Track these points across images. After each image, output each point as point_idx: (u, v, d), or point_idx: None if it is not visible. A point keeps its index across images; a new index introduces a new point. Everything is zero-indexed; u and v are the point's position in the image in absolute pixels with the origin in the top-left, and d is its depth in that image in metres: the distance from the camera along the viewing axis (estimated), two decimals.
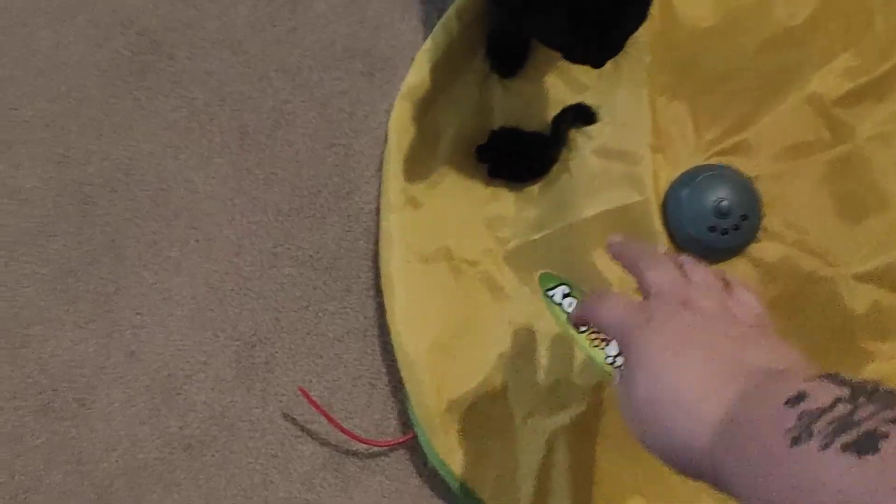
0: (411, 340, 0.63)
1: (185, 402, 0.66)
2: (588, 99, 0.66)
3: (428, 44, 0.67)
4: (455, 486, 0.63)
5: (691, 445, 0.34)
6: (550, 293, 0.64)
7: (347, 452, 0.66)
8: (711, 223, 0.63)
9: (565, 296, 0.60)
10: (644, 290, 0.42)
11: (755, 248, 0.65)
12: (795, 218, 0.65)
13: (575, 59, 0.52)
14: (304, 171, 0.68)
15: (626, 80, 0.65)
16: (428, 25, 0.69)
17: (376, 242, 0.66)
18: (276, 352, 0.66)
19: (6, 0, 0.69)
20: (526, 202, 0.67)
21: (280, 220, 0.67)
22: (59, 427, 0.65)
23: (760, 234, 0.65)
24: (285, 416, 0.66)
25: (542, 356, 0.64)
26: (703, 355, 0.36)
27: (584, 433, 0.63)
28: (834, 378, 0.31)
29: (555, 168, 0.66)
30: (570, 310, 0.59)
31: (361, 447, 0.65)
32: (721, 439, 0.33)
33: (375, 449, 0.66)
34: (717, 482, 0.33)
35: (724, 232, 0.63)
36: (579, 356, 0.63)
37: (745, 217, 0.63)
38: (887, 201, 0.64)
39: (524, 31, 0.64)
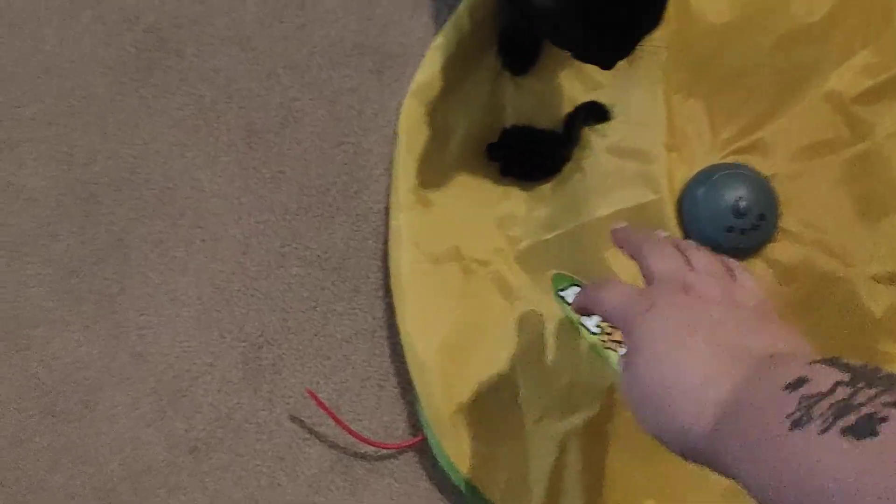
0: (421, 341, 0.62)
1: (191, 404, 0.65)
2: (602, 96, 0.65)
3: (438, 41, 0.66)
4: (465, 489, 0.62)
5: (692, 429, 0.34)
6: (563, 293, 0.63)
7: (356, 455, 0.65)
8: (728, 223, 0.61)
9: None
10: (647, 276, 0.43)
11: (772, 249, 0.64)
12: (813, 218, 0.64)
13: (585, 59, 0.52)
14: (313, 170, 0.67)
15: (640, 77, 0.64)
16: (438, 22, 0.68)
17: (385, 242, 0.65)
18: (284, 353, 0.66)
19: None
20: (538, 201, 0.66)
21: (288, 220, 0.67)
22: (63, 429, 0.65)
23: (777, 235, 0.64)
24: (293, 418, 0.65)
25: (554, 358, 0.63)
26: (705, 340, 0.36)
27: (596, 436, 0.62)
28: (834, 362, 0.31)
29: (567, 167, 0.65)
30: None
31: (370, 450, 0.65)
32: (722, 423, 0.33)
33: (384, 451, 0.65)
34: (718, 466, 0.33)
35: (742, 232, 0.61)
36: (592, 358, 0.62)
37: (762, 217, 0.62)
38: None
39: (535, 30, 0.63)
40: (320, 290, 0.66)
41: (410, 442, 0.64)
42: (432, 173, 0.65)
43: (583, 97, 0.65)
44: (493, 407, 0.63)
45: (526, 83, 0.66)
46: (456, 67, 0.65)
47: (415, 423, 0.65)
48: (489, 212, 0.66)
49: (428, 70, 0.65)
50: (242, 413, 0.65)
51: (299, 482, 0.65)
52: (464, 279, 0.65)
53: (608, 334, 0.60)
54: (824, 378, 0.30)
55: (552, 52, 0.65)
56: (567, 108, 0.65)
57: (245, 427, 0.65)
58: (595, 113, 0.65)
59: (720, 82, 0.65)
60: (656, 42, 0.62)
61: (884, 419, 0.27)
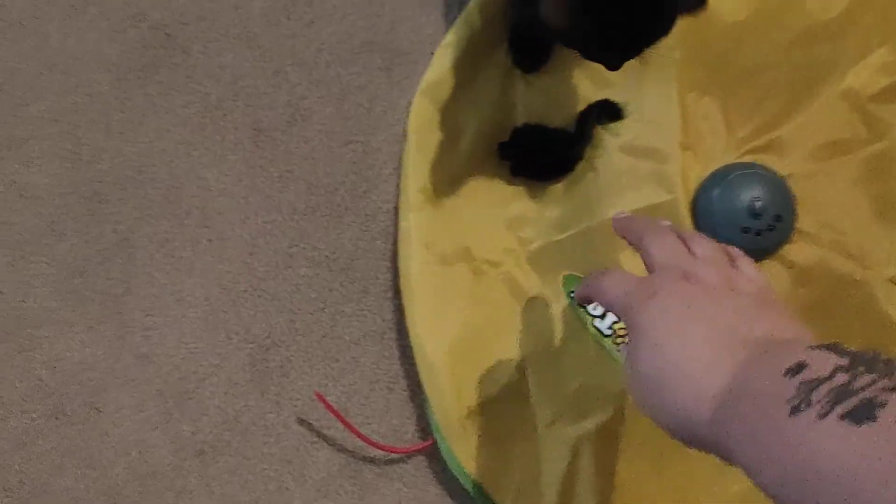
0: (431, 343, 0.62)
1: (197, 407, 0.64)
2: (615, 94, 0.64)
3: (448, 38, 0.65)
4: (475, 494, 0.61)
5: (694, 416, 0.34)
6: (575, 295, 0.62)
7: (364, 459, 0.64)
8: (744, 224, 0.60)
9: None
10: (648, 264, 0.43)
11: (788, 250, 0.63)
12: (830, 218, 0.63)
13: (591, 58, 0.52)
14: (321, 169, 0.66)
15: (654, 75, 0.63)
16: (448, 19, 0.67)
17: (394, 243, 0.65)
18: (291, 355, 0.65)
19: None
20: (549, 201, 0.65)
21: (295, 220, 0.66)
22: (68, 431, 0.64)
23: (794, 236, 0.63)
24: (300, 421, 0.64)
25: (566, 361, 0.62)
26: (706, 328, 0.36)
27: (609, 441, 0.61)
28: (834, 348, 0.31)
29: (579, 166, 0.64)
30: (595, 312, 0.57)
31: (379, 453, 0.64)
32: (722, 409, 0.33)
33: (393, 455, 0.64)
34: (719, 452, 0.34)
35: (758, 233, 0.60)
36: (605, 361, 0.61)
37: (778, 218, 0.61)
38: None
39: (538, 30, 0.62)
40: (328, 292, 0.65)
41: (420, 446, 0.63)
42: (442, 173, 0.64)
43: (595, 95, 0.64)
44: (503, 410, 0.62)
45: (537, 81, 0.65)
46: (466, 65, 0.64)
47: (424, 427, 0.64)
48: (500, 212, 0.65)
49: (438, 68, 0.64)
50: (250, 416, 0.64)
51: (307, 486, 0.64)
52: (474, 280, 0.64)
53: (621, 336, 0.59)
54: (823, 363, 0.30)
55: (564, 49, 0.64)
56: (579, 106, 0.64)
57: (252, 430, 0.64)
58: (608, 111, 0.64)
59: (735, 80, 0.64)
60: (670, 40, 0.62)
61: (882, 404, 0.27)
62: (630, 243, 0.46)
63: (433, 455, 0.64)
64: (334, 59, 0.67)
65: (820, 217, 0.63)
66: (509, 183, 0.65)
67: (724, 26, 0.63)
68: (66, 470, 0.63)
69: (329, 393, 0.64)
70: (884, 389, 0.28)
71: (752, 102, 0.64)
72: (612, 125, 0.64)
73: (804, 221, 0.63)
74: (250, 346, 0.65)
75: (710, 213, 0.61)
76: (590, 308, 0.58)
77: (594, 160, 0.64)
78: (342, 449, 0.64)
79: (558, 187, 0.65)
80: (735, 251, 0.44)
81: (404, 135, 0.65)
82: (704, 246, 0.43)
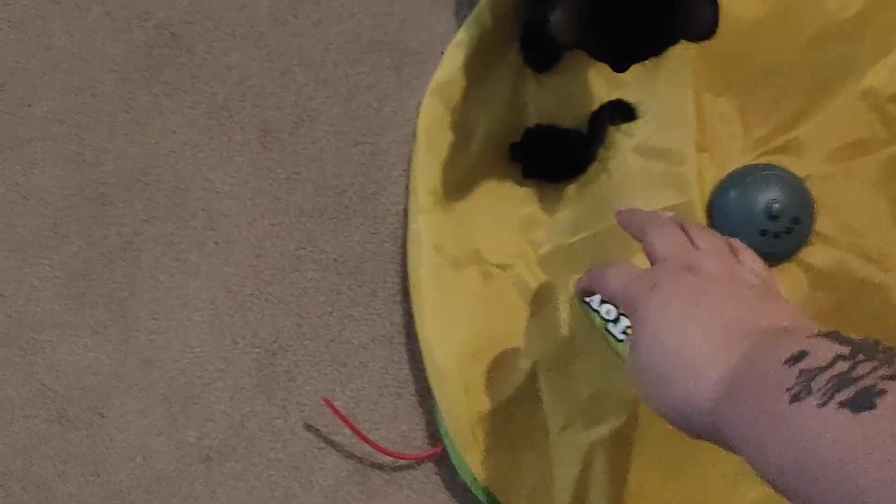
0: (441, 348, 0.61)
1: (203, 412, 0.63)
2: (628, 94, 0.63)
3: (459, 37, 0.63)
4: (486, 501, 0.60)
5: (695, 406, 0.35)
6: (588, 299, 0.61)
7: (373, 465, 0.63)
8: (762, 226, 0.59)
9: (603, 301, 0.57)
10: (651, 256, 0.44)
11: (806, 253, 0.62)
12: (849, 221, 0.61)
13: (598, 58, 0.51)
14: (328, 171, 0.65)
15: (668, 75, 0.62)
16: (458, 17, 0.66)
17: (404, 245, 0.64)
18: (299, 359, 0.64)
19: None
20: (561, 203, 0.63)
21: (303, 222, 0.65)
22: (73, 436, 0.63)
23: (812, 238, 0.62)
24: (308, 427, 0.63)
25: (579, 366, 0.61)
26: (707, 318, 0.37)
27: (622, 448, 0.60)
28: (835, 336, 0.31)
29: (592, 168, 0.63)
30: (608, 316, 0.56)
31: (387, 460, 0.63)
32: (723, 398, 0.34)
33: (402, 462, 0.63)
34: (721, 440, 0.34)
35: (776, 236, 0.59)
36: (617, 366, 0.60)
37: (796, 220, 0.60)
38: None
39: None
40: (336, 295, 0.64)
41: (429, 452, 0.62)
42: (452, 174, 0.63)
43: (608, 95, 0.63)
44: (515, 416, 0.61)
45: (549, 81, 0.64)
46: (477, 65, 0.63)
47: (434, 433, 0.63)
48: (511, 214, 0.64)
49: (448, 67, 0.63)
50: (256, 421, 0.63)
51: (314, 493, 0.63)
52: (484, 284, 0.63)
53: None
54: (824, 352, 0.30)
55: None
56: (592, 106, 0.63)
57: (259, 435, 0.63)
58: (621, 111, 0.63)
59: (752, 80, 0.63)
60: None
61: (881, 392, 0.27)
62: (633, 235, 0.46)
63: (443, 461, 0.63)
64: (342, 59, 0.66)
65: (838, 219, 0.62)
66: (520, 184, 0.64)
67: (740, 25, 0.62)
68: (69, 476, 0.63)
69: (337, 398, 0.63)
70: (883, 378, 0.28)
71: (769, 103, 0.63)
72: (626, 126, 0.63)
73: (822, 224, 0.62)
74: (257, 350, 0.64)
75: (727, 215, 0.60)
76: (602, 312, 0.56)
77: (607, 161, 0.63)
78: (350, 455, 0.63)
79: (570, 189, 0.63)
80: (737, 243, 0.44)
81: (414, 135, 0.64)
82: (706, 237, 0.43)
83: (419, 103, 0.64)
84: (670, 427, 0.59)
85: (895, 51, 0.62)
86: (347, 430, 0.62)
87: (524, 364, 0.61)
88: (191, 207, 0.65)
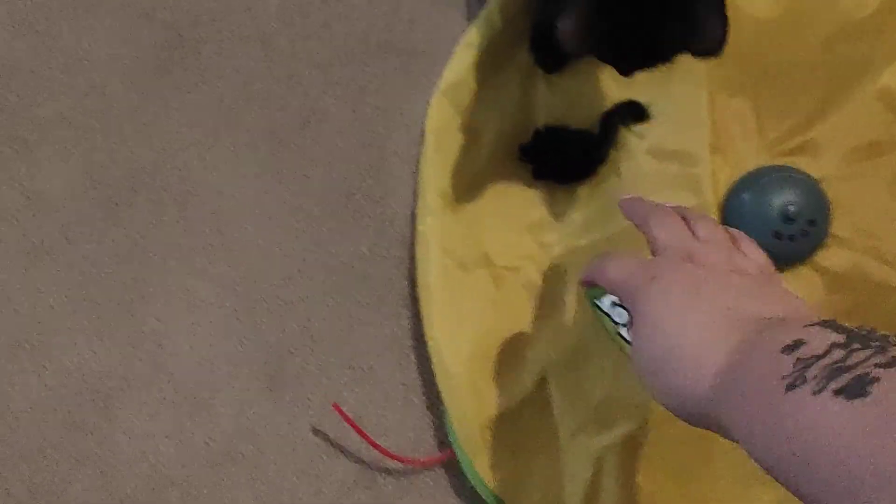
0: (450, 352, 0.60)
1: (211, 416, 0.63)
2: (639, 95, 0.62)
3: (468, 37, 0.63)
4: None
5: (694, 395, 0.35)
6: (598, 302, 0.60)
7: (381, 470, 0.63)
8: (777, 228, 0.58)
9: (614, 305, 0.56)
10: (652, 246, 0.44)
11: (822, 256, 0.61)
12: (866, 223, 0.60)
13: (604, 60, 0.51)
14: (336, 173, 0.65)
15: (681, 75, 0.61)
16: (467, 18, 0.65)
17: (412, 248, 0.63)
18: (306, 363, 0.63)
19: None
20: (572, 205, 0.63)
21: (310, 225, 0.64)
22: (81, 440, 0.63)
23: (828, 241, 0.60)
24: (315, 431, 0.63)
25: (590, 370, 0.60)
26: (706, 307, 0.37)
27: (634, 452, 0.59)
28: (831, 324, 0.32)
29: (603, 169, 0.62)
30: (620, 320, 0.56)
31: (396, 465, 0.62)
32: (721, 387, 0.34)
33: (411, 467, 0.62)
34: (719, 428, 0.35)
35: (791, 238, 0.58)
36: (629, 371, 0.60)
37: (812, 222, 0.59)
38: None
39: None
40: (344, 299, 0.64)
41: (438, 457, 0.62)
42: (461, 176, 0.62)
43: (619, 96, 0.62)
44: (525, 421, 0.60)
45: (559, 81, 0.63)
46: (486, 65, 0.62)
47: (443, 438, 0.62)
48: (520, 216, 0.63)
49: (457, 68, 0.62)
50: (264, 425, 0.63)
51: (322, 497, 0.62)
52: (494, 287, 0.62)
53: None
54: (820, 340, 0.31)
55: None
56: (603, 107, 0.62)
57: (266, 440, 0.63)
58: (633, 112, 0.62)
59: (766, 80, 0.62)
60: None
61: (875, 380, 0.28)
62: (636, 225, 0.47)
63: (452, 467, 0.62)
64: (350, 60, 0.65)
65: (854, 221, 0.61)
66: (530, 186, 0.63)
67: (754, 24, 0.61)
68: (77, 480, 0.62)
69: (344, 402, 0.62)
70: (877, 366, 0.28)
71: (784, 103, 0.62)
72: (638, 127, 0.62)
73: (838, 226, 0.61)
74: (265, 354, 0.63)
75: (741, 217, 0.59)
76: (613, 315, 0.56)
77: (618, 163, 0.62)
78: (358, 460, 0.63)
79: (581, 191, 0.63)
80: (738, 233, 0.45)
81: (422, 137, 0.63)
82: (707, 227, 0.44)
83: (428, 104, 0.63)
84: (682, 431, 0.58)
85: None
86: (355, 435, 0.61)
87: (534, 368, 0.60)
88: (198, 210, 0.64)
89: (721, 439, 0.55)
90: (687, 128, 0.61)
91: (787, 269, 0.60)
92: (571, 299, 0.61)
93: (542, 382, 0.60)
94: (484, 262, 0.62)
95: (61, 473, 0.62)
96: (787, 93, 0.61)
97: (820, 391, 0.29)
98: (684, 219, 0.45)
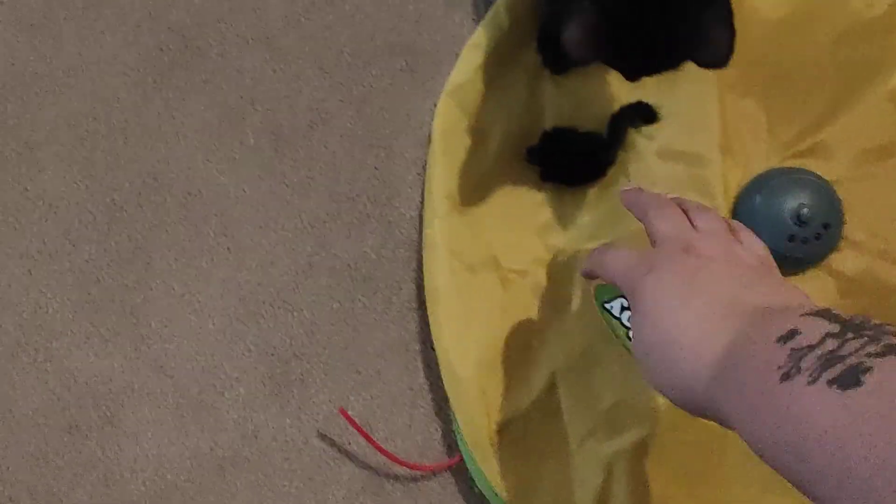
0: (458, 356, 0.59)
1: (215, 421, 0.62)
2: (648, 96, 0.61)
3: (475, 38, 0.62)
4: None
5: (693, 385, 0.35)
6: (608, 306, 0.59)
7: (388, 476, 0.62)
8: (790, 232, 0.57)
9: (624, 308, 0.56)
10: (651, 237, 0.44)
11: (834, 259, 0.60)
12: (879, 226, 0.60)
13: (611, 66, 0.51)
14: (342, 175, 0.64)
15: (690, 75, 0.59)
16: (474, 18, 0.65)
17: (419, 251, 0.62)
18: (312, 367, 0.63)
19: None
20: (580, 208, 0.62)
21: (316, 228, 0.63)
22: (84, 446, 0.62)
23: (841, 244, 0.60)
24: (322, 436, 0.62)
25: (600, 375, 0.59)
26: (704, 298, 0.37)
27: (645, 458, 0.58)
28: (826, 314, 0.32)
29: (612, 171, 0.62)
30: (629, 324, 0.55)
31: (403, 471, 0.61)
32: (719, 377, 0.34)
33: (418, 473, 0.62)
34: (718, 418, 0.35)
35: (804, 241, 0.57)
36: (639, 375, 0.59)
37: (826, 225, 0.58)
38: None
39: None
40: (350, 302, 0.63)
41: (446, 463, 0.61)
42: (469, 178, 0.61)
43: (628, 97, 0.62)
44: (534, 426, 0.59)
45: (567, 82, 0.62)
46: (493, 66, 0.62)
47: (451, 443, 0.62)
48: (528, 219, 0.62)
49: (464, 69, 0.62)
50: (269, 430, 0.62)
51: None
52: (502, 290, 0.61)
53: None
54: (814, 330, 0.31)
55: None
56: (611, 108, 0.62)
57: (272, 445, 0.62)
58: (642, 113, 0.61)
59: (776, 81, 0.61)
60: None
61: (868, 369, 0.28)
62: (636, 216, 0.47)
63: (460, 472, 0.61)
64: (356, 61, 0.65)
65: (868, 224, 0.60)
66: (538, 189, 0.62)
67: (763, 23, 0.60)
68: (81, 485, 0.62)
69: (351, 407, 0.62)
70: (870, 355, 0.28)
71: (794, 104, 0.61)
72: (647, 128, 0.61)
73: (850, 229, 0.60)
74: (270, 358, 0.63)
75: (753, 220, 0.58)
76: (624, 319, 0.55)
77: (627, 165, 0.61)
78: (365, 466, 0.62)
79: (590, 193, 0.62)
80: (737, 224, 0.45)
81: (429, 139, 0.63)
82: (706, 218, 0.44)
83: (434, 106, 0.63)
84: (693, 436, 0.58)
85: None
86: (362, 440, 0.60)
87: (543, 372, 0.60)
88: (203, 213, 0.64)
89: (733, 443, 0.55)
90: (696, 129, 0.60)
91: (799, 274, 0.60)
92: (580, 303, 0.61)
93: (551, 387, 0.59)
94: (492, 264, 0.61)
95: (64, 479, 0.62)
96: (796, 94, 0.61)
97: (814, 381, 0.29)
98: (684, 210, 0.45)
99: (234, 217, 0.64)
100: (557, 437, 0.59)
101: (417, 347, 0.63)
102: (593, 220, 0.62)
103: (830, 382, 0.28)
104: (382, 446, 0.60)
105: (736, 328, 0.35)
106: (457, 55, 0.63)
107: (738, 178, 0.61)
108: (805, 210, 0.57)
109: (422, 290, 0.61)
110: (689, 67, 0.60)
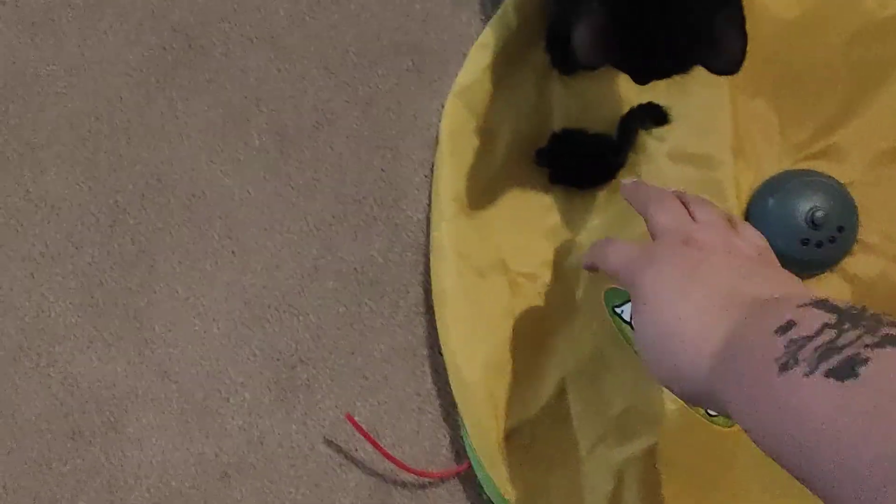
0: (466, 361, 0.58)
1: (220, 427, 0.61)
2: (659, 97, 0.60)
3: (483, 38, 0.61)
4: None
5: (692, 375, 0.36)
6: (619, 310, 0.59)
7: (395, 483, 0.61)
8: (804, 235, 0.57)
9: None
10: (651, 230, 0.44)
11: (849, 263, 0.59)
12: (894, 229, 0.59)
13: (620, 69, 0.51)
14: (348, 177, 0.63)
15: (701, 76, 0.59)
16: (481, 18, 0.64)
17: (426, 254, 0.62)
18: (318, 372, 0.62)
19: None
20: (590, 211, 0.61)
21: (322, 230, 0.63)
22: (87, 452, 0.61)
23: (855, 247, 0.59)
24: (328, 442, 0.61)
25: (610, 380, 0.58)
26: (703, 290, 0.37)
27: (656, 465, 0.57)
28: (823, 304, 0.32)
29: (622, 173, 0.61)
30: None
31: (411, 478, 0.61)
32: (719, 368, 0.34)
33: (426, 480, 0.61)
34: (718, 408, 0.35)
35: (818, 245, 0.57)
36: (650, 380, 0.58)
37: (840, 229, 0.57)
38: None
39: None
40: (357, 306, 0.62)
41: (454, 470, 0.60)
42: (476, 180, 0.61)
43: (638, 98, 0.61)
44: (543, 432, 0.59)
45: (576, 83, 0.62)
46: (501, 66, 0.61)
47: (459, 450, 0.61)
48: (537, 221, 0.61)
49: (472, 69, 0.61)
50: (275, 436, 0.61)
51: None
52: (510, 294, 0.61)
53: None
54: (812, 321, 0.31)
55: None
56: (621, 109, 0.61)
57: (277, 451, 0.61)
58: (652, 115, 0.60)
59: (788, 81, 0.60)
60: None
61: (865, 360, 0.28)
62: (636, 209, 0.47)
63: (468, 479, 0.61)
64: (362, 61, 0.64)
65: (883, 227, 0.59)
66: (547, 191, 0.62)
67: (775, 24, 0.60)
68: (84, 492, 0.61)
69: (357, 412, 0.61)
70: (867, 346, 0.28)
71: (806, 105, 0.60)
72: (657, 130, 0.60)
73: (865, 232, 0.59)
74: (275, 362, 0.62)
75: (766, 223, 0.58)
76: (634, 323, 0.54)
77: (638, 167, 0.60)
78: (372, 472, 0.61)
79: (599, 196, 0.61)
80: (735, 217, 0.46)
81: (436, 140, 0.62)
82: (705, 210, 0.44)
83: (441, 106, 0.62)
84: (704, 440, 0.57)
85: None
86: (369, 447, 0.60)
87: (553, 377, 0.59)
88: (207, 215, 0.63)
89: (744, 448, 0.54)
90: (708, 131, 0.59)
91: (813, 277, 0.59)
92: (590, 307, 0.60)
93: (560, 392, 0.59)
94: (501, 268, 0.60)
95: (67, 486, 0.61)
96: (808, 95, 0.60)
97: (811, 372, 0.29)
98: (684, 203, 0.45)
99: (238, 219, 0.63)
100: (567, 444, 0.58)
101: (425, 352, 0.62)
102: (603, 223, 0.61)
103: (828, 374, 0.28)
104: (390, 453, 0.59)
105: (735, 319, 0.35)
106: (464, 55, 0.62)
107: (750, 181, 0.60)
108: (819, 213, 0.56)
109: (429, 293, 0.61)
110: (700, 70, 0.60)
